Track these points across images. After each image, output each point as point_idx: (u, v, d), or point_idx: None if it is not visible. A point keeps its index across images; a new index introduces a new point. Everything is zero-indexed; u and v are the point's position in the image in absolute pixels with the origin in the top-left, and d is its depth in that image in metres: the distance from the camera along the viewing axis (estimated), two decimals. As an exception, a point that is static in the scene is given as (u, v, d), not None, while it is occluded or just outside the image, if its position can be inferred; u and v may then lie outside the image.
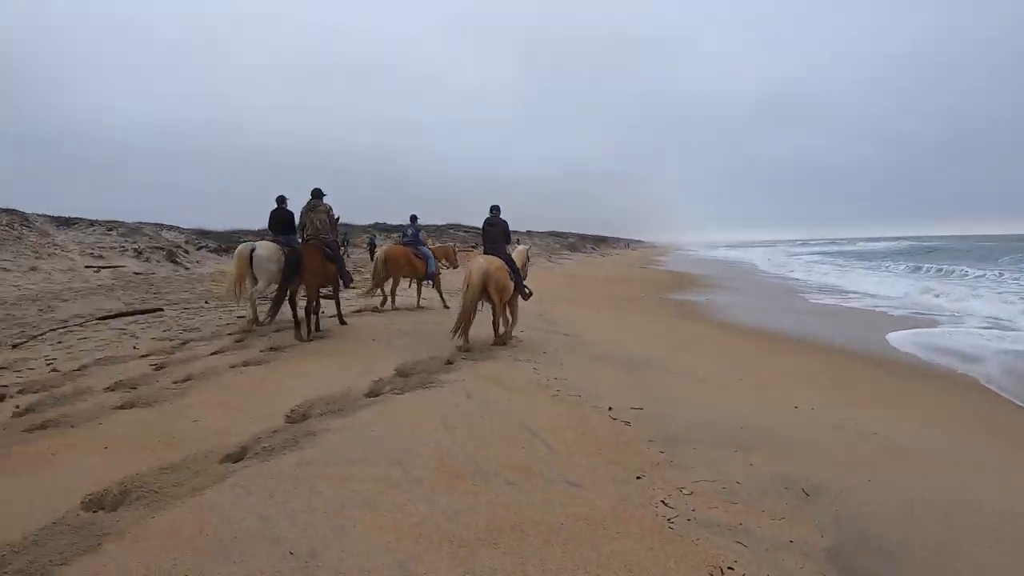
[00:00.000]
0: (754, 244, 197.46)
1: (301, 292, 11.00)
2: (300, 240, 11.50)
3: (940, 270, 38.34)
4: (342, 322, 12.02)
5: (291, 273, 10.73)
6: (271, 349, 9.37)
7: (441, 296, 15.78)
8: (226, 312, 14.09)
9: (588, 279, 23.52)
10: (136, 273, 29.29)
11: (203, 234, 45.64)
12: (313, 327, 10.79)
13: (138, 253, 33.13)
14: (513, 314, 10.85)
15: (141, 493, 4.36)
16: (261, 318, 11.54)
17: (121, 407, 6.31)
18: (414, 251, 15.02)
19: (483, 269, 9.88)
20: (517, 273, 10.63)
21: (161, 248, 35.02)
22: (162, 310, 14.87)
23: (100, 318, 13.54)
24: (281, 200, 12.08)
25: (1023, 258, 45.68)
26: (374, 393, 7.00)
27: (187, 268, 33.42)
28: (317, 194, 11.70)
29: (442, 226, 76.78)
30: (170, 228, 41.71)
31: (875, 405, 8.39)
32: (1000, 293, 23.09)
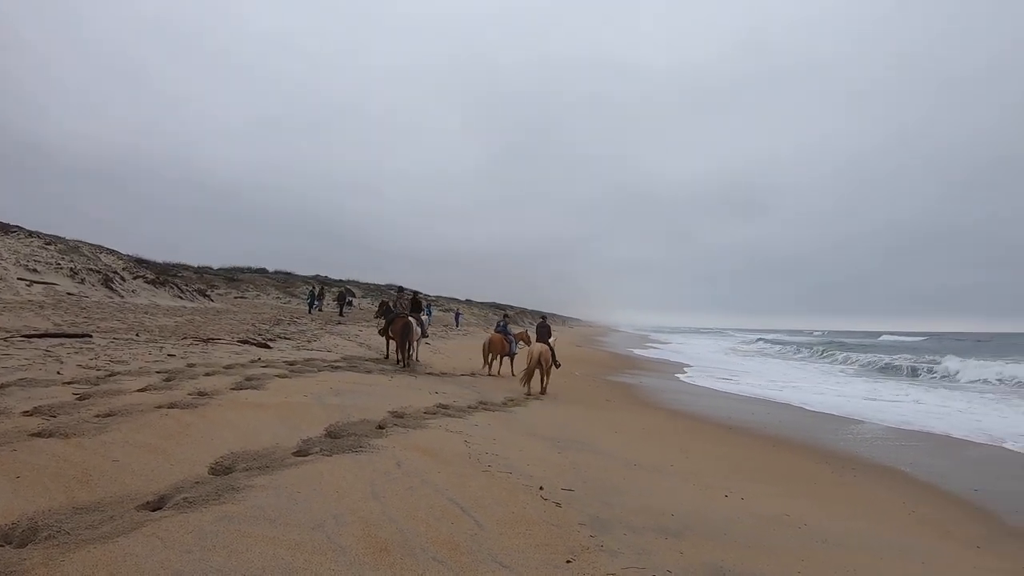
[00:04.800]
0: (697, 330, 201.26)
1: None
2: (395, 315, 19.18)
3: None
4: (415, 361, 18.89)
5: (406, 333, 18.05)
6: (200, 394, 9.07)
7: (511, 367, 20.83)
8: (156, 348, 13.73)
9: (525, 353, 23.61)
10: (69, 294, 28.52)
11: (141, 263, 44.77)
12: (407, 362, 17.92)
13: (73, 273, 32.21)
14: (549, 375, 16.83)
15: (52, 532, 4.16)
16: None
17: (38, 435, 6.06)
18: (505, 337, 20.69)
19: (540, 350, 16.22)
20: (554, 353, 17.15)
21: (98, 271, 34.16)
22: (91, 336, 14.50)
23: (26, 336, 13.17)
24: (401, 289, 22.60)
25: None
26: (302, 452, 6.82)
27: (121, 296, 32.64)
28: (402, 289, 22.00)
29: (383, 286, 76.67)
30: (109, 252, 40.79)
31: (805, 495, 8.54)
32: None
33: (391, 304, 20.18)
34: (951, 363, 35.16)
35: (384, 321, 20.13)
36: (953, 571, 6.18)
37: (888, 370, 37.14)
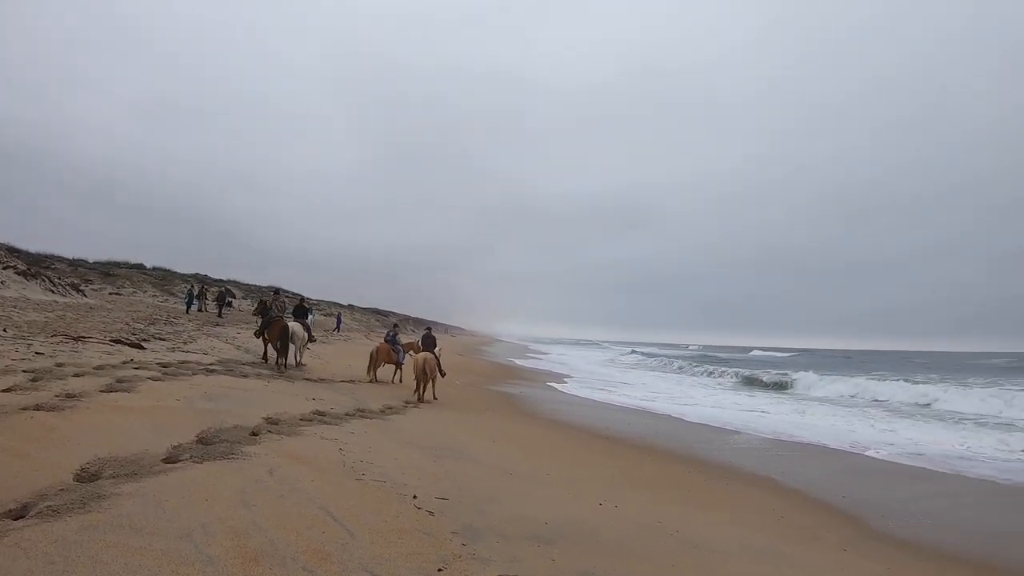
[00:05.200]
0: (576, 342, 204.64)
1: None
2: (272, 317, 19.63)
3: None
4: (296, 366, 19.90)
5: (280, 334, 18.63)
6: (68, 395, 8.74)
7: (395, 376, 21.50)
8: (24, 345, 13.14)
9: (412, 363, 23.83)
10: (-73, 283, 26.85)
11: (12, 252, 42.28)
12: (285, 366, 18.67)
13: (-68, 261, 30.15)
14: (435, 383, 17.72)
15: (-91, 542, 3.99)
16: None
17: None
18: (392, 347, 21.48)
19: (425, 358, 17.06)
20: (439, 363, 18.09)
21: (-40, 259, 32.07)
22: (-48, 332, 13.77)
23: None
24: (277, 291, 22.23)
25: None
26: (172, 459, 6.67)
27: (-14, 287, 30.85)
28: (278, 292, 22.09)
29: (264, 287, 75.01)
30: (-24, 239, 38.27)
31: (678, 502, 8.94)
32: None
33: (268, 304, 20.62)
34: (810, 378, 37.88)
35: (261, 322, 20.21)
36: (822, 573, 6.64)
37: (758, 383, 39.35)
